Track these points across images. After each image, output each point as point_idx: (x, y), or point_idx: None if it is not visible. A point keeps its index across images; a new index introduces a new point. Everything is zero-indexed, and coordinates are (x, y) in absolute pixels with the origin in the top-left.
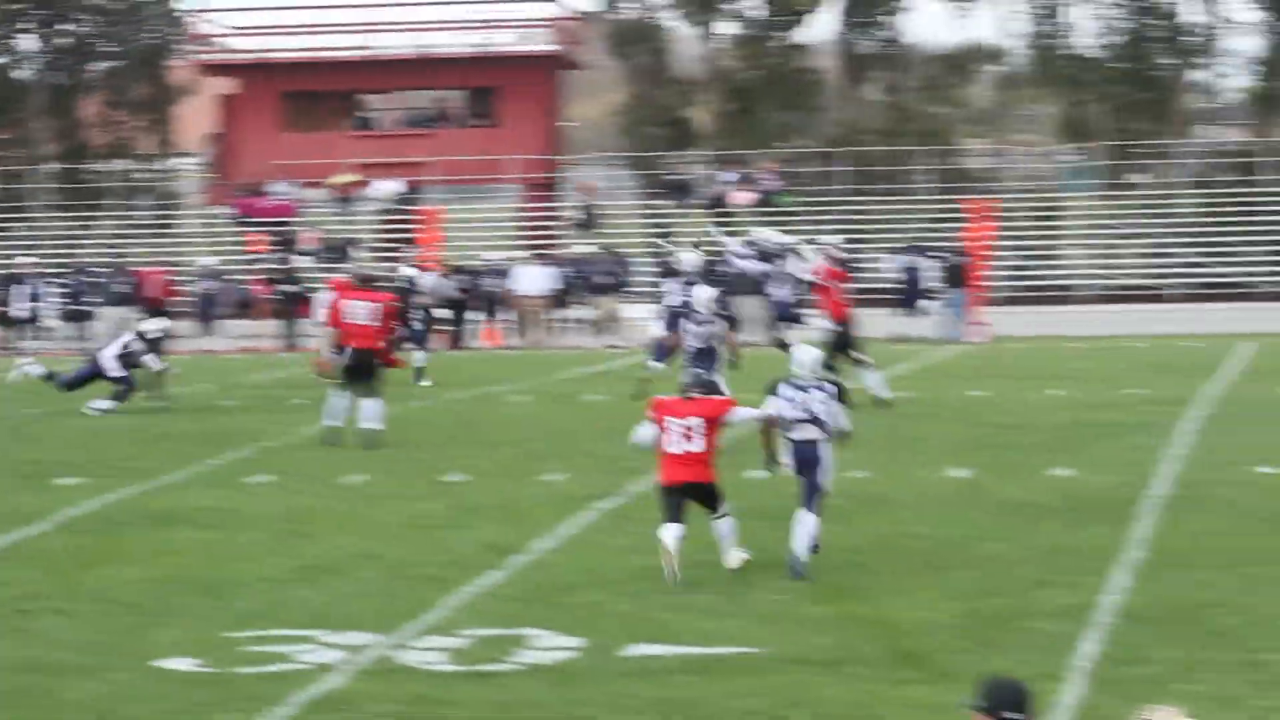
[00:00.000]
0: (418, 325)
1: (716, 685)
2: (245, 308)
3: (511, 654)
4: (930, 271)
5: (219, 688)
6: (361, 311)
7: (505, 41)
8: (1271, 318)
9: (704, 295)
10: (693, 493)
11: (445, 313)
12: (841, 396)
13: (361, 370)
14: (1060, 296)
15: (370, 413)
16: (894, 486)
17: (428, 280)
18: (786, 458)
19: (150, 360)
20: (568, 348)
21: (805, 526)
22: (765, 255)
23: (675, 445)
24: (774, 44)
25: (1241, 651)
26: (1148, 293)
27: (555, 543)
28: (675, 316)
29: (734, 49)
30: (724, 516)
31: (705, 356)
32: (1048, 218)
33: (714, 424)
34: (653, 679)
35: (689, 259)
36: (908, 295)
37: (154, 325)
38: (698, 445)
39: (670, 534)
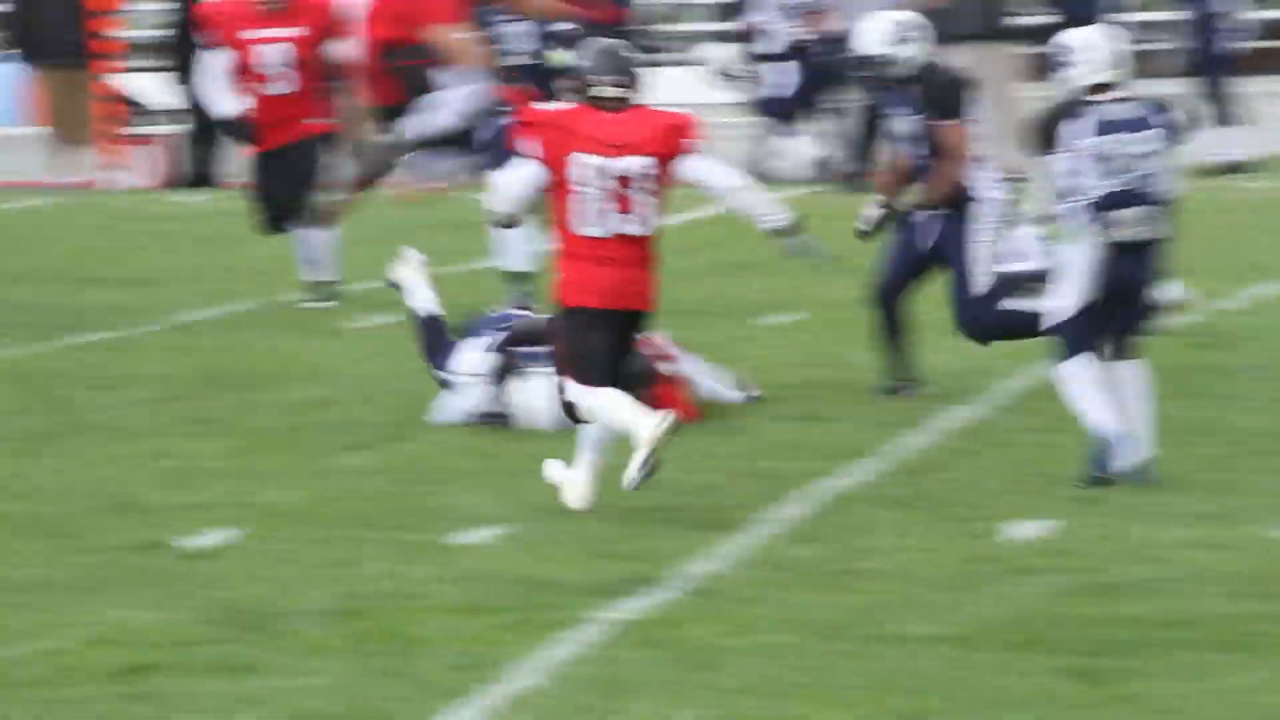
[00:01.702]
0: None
1: None
2: None
3: None
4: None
5: None
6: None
7: None
8: None
9: None
10: (629, 333)
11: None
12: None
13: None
14: None
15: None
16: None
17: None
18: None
19: None
20: None
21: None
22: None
23: (594, 221)
24: None
25: None
26: None
27: None
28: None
29: None
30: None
31: None
32: None
33: (668, 168)
34: None
35: None
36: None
37: None
38: (637, 222)
39: (589, 454)
